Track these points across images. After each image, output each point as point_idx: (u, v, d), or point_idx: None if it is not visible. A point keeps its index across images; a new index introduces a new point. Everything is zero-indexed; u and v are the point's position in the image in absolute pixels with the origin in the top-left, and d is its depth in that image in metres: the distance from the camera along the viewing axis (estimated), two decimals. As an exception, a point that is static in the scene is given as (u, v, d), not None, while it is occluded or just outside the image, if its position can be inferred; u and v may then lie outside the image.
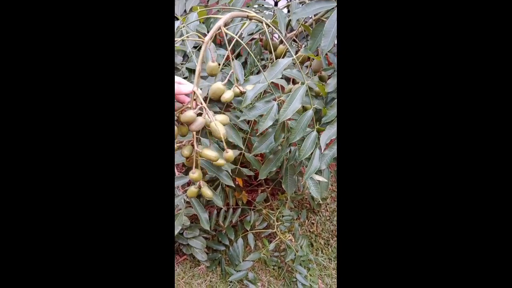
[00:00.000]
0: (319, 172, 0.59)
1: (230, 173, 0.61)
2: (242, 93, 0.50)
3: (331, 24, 0.53)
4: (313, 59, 0.69)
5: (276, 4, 1.38)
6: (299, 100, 0.50)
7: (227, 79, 0.49)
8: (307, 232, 1.60)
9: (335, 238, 1.64)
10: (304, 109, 0.57)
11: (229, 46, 0.54)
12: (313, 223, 1.65)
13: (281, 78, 0.52)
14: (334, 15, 0.53)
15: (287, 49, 0.65)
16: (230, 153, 0.42)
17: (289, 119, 0.56)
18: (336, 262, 1.43)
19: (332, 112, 0.57)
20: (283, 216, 1.22)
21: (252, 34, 0.79)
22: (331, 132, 0.57)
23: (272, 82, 0.54)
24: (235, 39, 0.61)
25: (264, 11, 0.82)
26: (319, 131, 0.57)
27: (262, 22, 0.59)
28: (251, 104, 0.54)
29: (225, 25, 0.81)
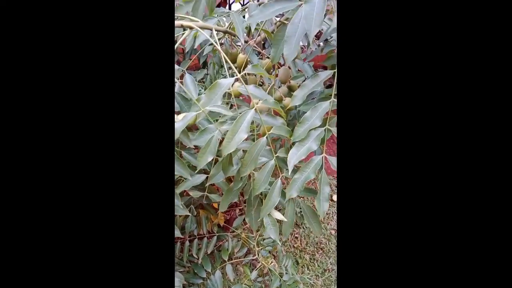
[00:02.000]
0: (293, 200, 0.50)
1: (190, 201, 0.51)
2: None
3: (294, 27, 0.45)
4: (280, 67, 0.62)
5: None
6: (245, 129, 0.41)
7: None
8: (291, 248, 1.51)
9: (320, 252, 1.56)
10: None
11: (186, 57, 0.46)
12: (296, 237, 1.57)
13: (224, 103, 0.42)
14: (297, 17, 0.45)
15: (248, 60, 0.57)
16: None
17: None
18: (323, 278, 1.35)
19: (302, 129, 0.48)
20: (264, 239, 1.12)
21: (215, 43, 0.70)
22: (300, 151, 0.49)
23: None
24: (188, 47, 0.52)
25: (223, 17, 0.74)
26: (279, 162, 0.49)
27: (212, 29, 0.50)
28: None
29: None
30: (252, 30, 0.57)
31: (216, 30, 0.52)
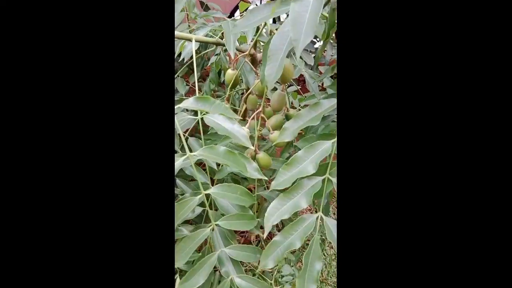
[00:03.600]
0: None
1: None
2: None
3: (282, 37, 0.33)
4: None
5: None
6: None
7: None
8: (314, 285, 1.32)
9: None
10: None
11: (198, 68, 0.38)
12: (319, 268, 1.37)
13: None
14: (286, 25, 0.33)
15: (240, 78, 0.45)
16: None
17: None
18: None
19: (288, 175, 0.35)
20: (282, 276, 0.97)
21: (210, 53, 0.60)
22: (285, 206, 0.35)
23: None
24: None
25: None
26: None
27: (191, 40, 0.40)
28: None
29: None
30: (248, 41, 0.46)
31: (200, 41, 0.42)
